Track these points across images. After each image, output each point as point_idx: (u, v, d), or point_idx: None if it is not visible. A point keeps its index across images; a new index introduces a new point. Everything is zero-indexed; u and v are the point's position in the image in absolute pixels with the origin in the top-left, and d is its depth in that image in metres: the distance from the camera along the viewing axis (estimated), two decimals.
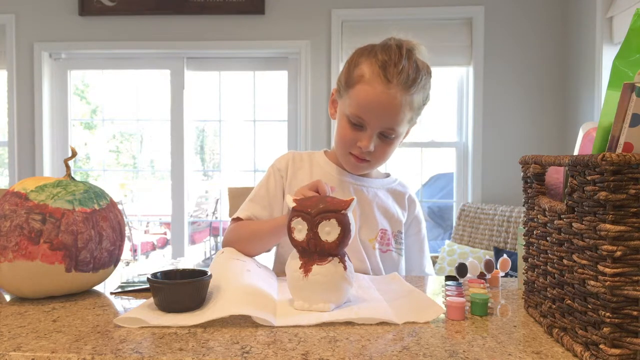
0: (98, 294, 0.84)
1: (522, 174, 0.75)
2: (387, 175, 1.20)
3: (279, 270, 1.06)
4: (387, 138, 1.02)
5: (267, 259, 1.08)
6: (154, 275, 0.73)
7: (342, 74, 1.06)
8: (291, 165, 1.14)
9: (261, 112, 3.48)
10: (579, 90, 2.93)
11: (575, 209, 0.57)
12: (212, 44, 3.25)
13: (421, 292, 0.81)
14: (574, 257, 0.57)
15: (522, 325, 0.69)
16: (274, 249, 1.15)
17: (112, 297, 0.82)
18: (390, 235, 1.12)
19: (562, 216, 0.61)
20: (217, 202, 4.57)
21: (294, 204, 0.75)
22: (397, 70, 0.96)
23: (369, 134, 1.00)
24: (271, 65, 3.38)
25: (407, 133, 1.10)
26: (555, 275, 0.64)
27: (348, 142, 1.03)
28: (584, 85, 2.86)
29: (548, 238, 0.66)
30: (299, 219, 0.73)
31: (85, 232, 0.79)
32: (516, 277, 0.96)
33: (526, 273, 0.75)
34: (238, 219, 1.09)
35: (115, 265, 0.88)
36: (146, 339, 0.61)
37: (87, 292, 0.84)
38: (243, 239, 1.02)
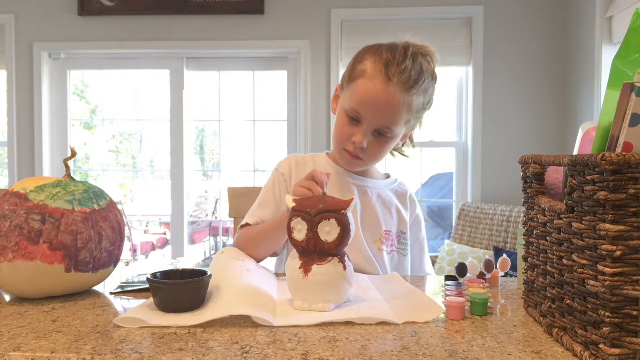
0: (98, 294, 0.84)
1: (522, 173, 0.75)
2: (388, 175, 1.20)
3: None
4: (382, 137, 1.02)
5: (269, 260, 1.08)
6: (154, 275, 0.73)
7: (347, 69, 1.07)
8: (294, 169, 1.13)
9: (261, 112, 3.48)
10: (579, 90, 2.93)
11: (575, 208, 0.57)
12: (212, 44, 3.25)
13: (421, 292, 0.81)
14: (574, 257, 0.57)
15: (522, 325, 0.69)
16: (283, 253, 1.15)
17: (112, 297, 0.82)
18: (393, 236, 1.12)
19: (562, 216, 0.61)
20: (216, 202, 4.57)
21: (293, 204, 0.75)
22: (400, 69, 0.96)
23: (364, 130, 1.00)
24: (271, 65, 3.38)
25: (406, 137, 1.10)
26: (555, 275, 0.64)
27: (344, 137, 1.04)
28: (584, 85, 2.86)
29: (548, 238, 0.66)
30: (299, 219, 0.73)
31: (85, 232, 0.79)
32: (516, 277, 0.96)
33: (526, 273, 0.75)
34: (247, 225, 1.08)
35: (115, 266, 0.88)
36: (146, 339, 0.61)
37: (87, 292, 0.84)
38: (250, 241, 1.02)
